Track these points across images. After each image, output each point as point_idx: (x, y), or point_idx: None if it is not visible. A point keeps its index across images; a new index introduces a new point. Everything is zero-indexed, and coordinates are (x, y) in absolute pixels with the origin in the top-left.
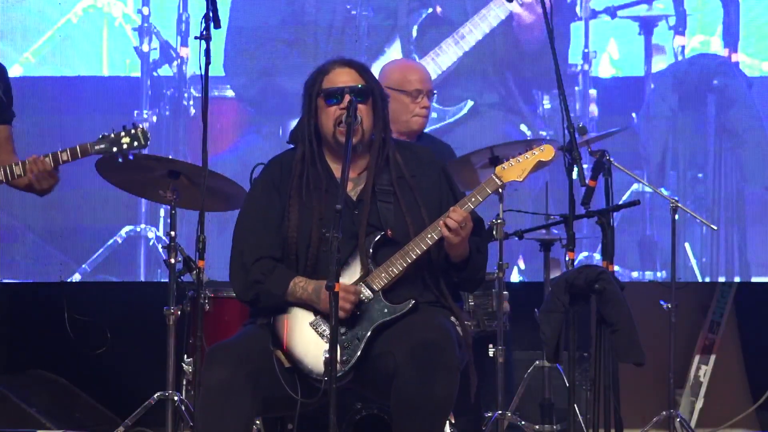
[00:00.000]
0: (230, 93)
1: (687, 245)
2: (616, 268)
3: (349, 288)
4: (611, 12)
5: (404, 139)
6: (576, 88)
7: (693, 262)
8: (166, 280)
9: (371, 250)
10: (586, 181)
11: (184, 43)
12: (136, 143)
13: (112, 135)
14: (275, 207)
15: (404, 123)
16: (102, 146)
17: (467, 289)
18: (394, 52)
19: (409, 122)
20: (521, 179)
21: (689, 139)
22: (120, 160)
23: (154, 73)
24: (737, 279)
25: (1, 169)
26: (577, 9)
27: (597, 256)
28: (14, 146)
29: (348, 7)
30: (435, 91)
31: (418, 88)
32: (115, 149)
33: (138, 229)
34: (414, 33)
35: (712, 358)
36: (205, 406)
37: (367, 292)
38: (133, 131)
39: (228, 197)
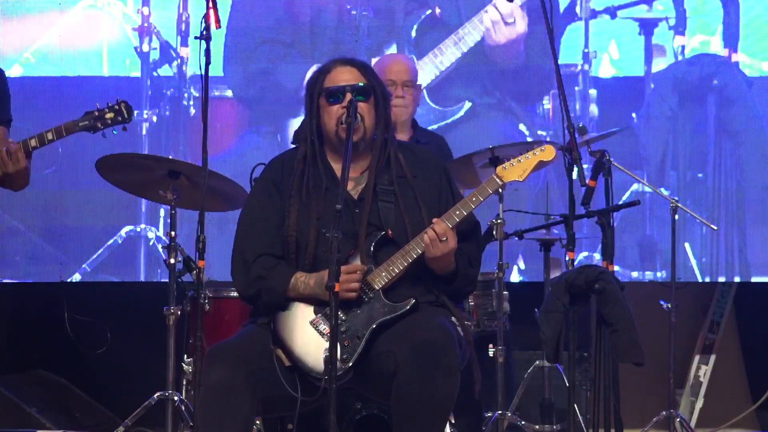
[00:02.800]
0: (230, 93)
1: (687, 245)
2: (616, 268)
3: (350, 268)
4: (611, 12)
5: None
6: (576, 88)
7: (693, 262)
8: (166, 280)
9: (372, 250)
10: (586, 181)
11: (184, 43)
12: (120, 118)
13: (96, 112)
14: (276, 206)
15: None
16: (86, 122)
17: (456, 299)
18: (392, 52)
19: None
20: (522, 179)
21: (689, 139)
22: (104, 135)
23: (154, 73)
24: (737, 279)
25: None
26: (577, 9)
27: (597, 256)
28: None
29: (348, 7)
30: (420, 84)
31: (391, 78)
32: (99, 124)
33: (138, 229)
34: (413, 34)
35: (712, 358)
36: (204, 406)
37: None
38: (116, 106)
39: (228, 197)
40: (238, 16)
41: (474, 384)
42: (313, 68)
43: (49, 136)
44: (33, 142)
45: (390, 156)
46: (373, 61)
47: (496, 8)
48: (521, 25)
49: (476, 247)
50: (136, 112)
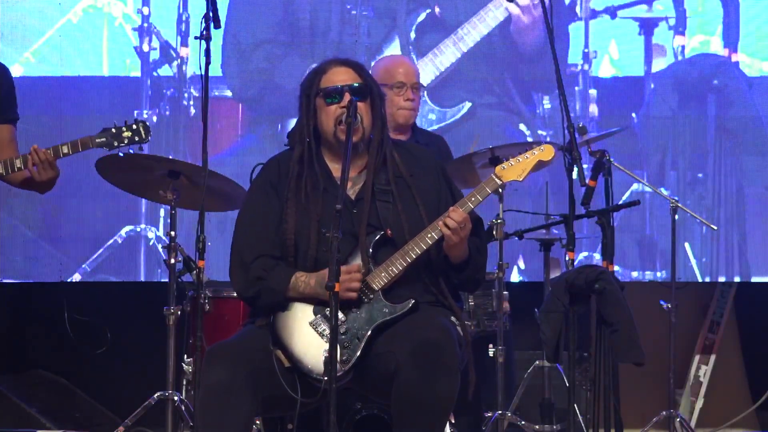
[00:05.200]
0: (229, 93)
1: (687, 245)
2: (616, 268)
3: (350, 268)
4: (611, 12)
5: (394, 135)
6: (576, 88)
7: (693, 262)
8: (166, 280)
9: (371, 250)
10: (586, 181)
11: (184, 43)
12: (137, 138)
13: (113, 129)
14: (274, 206)
15: (390, 117)
16: (103, 140)
17: (467, 289)
18: (392, 51)
19: (395, 115)
20: (521, 179)
21: (689, 139)
22: (121, 155)
23: (154, 73)
24: (737, 279)
25: (0, 163)
26: (577, 9)
27: (597, 256)
28: (17, 148)
29: (348, 7)
30: (423, 85)
31: (401, 80)
32: (116, 143)
33: (138, 229)
34: (413, 33)
35: (712, 358)
36: (204, 405)
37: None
38: (134, 126)
39: (228, 197)
40: (237, 15)
41: (468, 386)
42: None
43: (65, 149)
44: (49, 152)
45: (386, 155)
46: (372, 62)
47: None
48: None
49: (481, 238)
50: (135, 113)
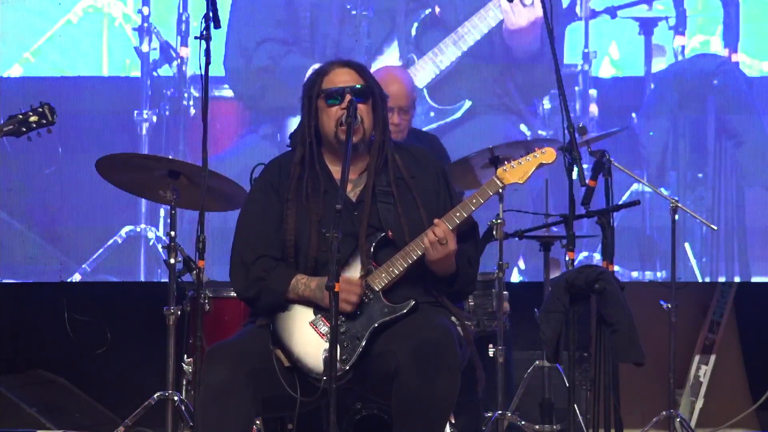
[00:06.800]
0: (230, 93)
1: (687, 245)
2: (616, 268)
3: (353, 281)
4: (611, 12)
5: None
6: (576, 88)
7: (693, 262)
8: (166, 280)
9: (372, 251)
10: (586, 181)
11: (184, 43)
12: (44, 120)
13: (20, 116)
14: (274, 208)
15: None
16: (10, 128)
17: (455, 300)
18: (392, 52)
19: None
20: (522, 182)
21: (689, 139)
22: (29, 139)
23: (154, 73)
24: (737, 279)
25: None
26: (577, 9)
27: (597, 256)
28: None
29: (348, 7)
30: (413, 105)
31: (389, 105)
32: (24, 129)
33: (138, 229)
34: (413, 33)
35: (712, 358)
36: (204, 405)
37: (369, 291)
38: (40, 109)
39: (228, 197)
40: (239, 15)
41: (477, 383)
42: (312, 69)
43: None
44: None
45: (387, 157)
46: (372, 66)
47: None
48: (540, 9)
49: (474, 247)
50: (135, 112)
